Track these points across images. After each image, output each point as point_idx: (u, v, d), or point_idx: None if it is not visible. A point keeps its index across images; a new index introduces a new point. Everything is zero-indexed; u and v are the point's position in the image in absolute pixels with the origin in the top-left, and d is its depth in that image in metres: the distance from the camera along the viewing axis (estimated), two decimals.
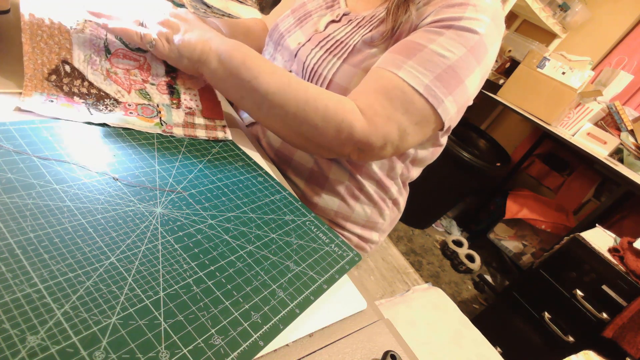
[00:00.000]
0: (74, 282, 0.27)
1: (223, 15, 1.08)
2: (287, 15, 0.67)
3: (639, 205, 1.68)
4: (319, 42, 0.58)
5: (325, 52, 0.56)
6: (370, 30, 0.55)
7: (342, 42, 0.56)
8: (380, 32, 0.54)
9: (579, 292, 1.22)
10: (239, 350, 0.28)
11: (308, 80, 0.58)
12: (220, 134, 0.51)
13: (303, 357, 0.31)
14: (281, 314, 0.32)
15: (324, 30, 0.60)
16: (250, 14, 1.20)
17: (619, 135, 1.62)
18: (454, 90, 0.50)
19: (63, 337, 0.24)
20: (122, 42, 0.48)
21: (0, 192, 0.30)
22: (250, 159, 0.51)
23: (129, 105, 0.46)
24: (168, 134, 0.47)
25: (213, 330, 0.28)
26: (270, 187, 0.48)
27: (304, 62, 0.58)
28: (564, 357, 1.01)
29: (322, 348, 0.32)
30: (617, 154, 1.61)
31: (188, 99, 0.51)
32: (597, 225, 1.38)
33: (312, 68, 0.57)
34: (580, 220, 1.59)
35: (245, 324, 0.30)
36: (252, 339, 0.29)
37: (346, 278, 0.40)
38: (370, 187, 0.63)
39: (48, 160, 0.35)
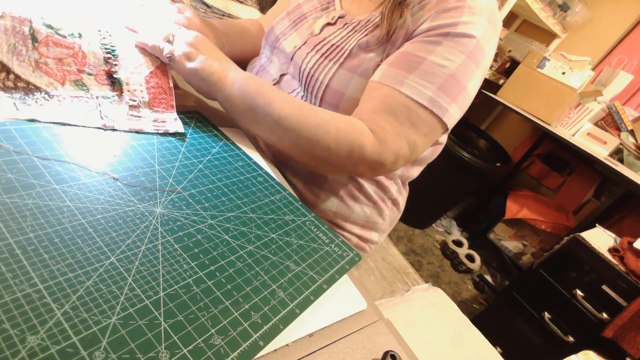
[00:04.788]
0: (74, 282, 0.27)
1: (223, 15, 1.08)
2: (282, 17, 0.67)
3: (639, 205, 1.68)
4: (315, 46, 0.58)
5: (321, 56, 0.57)
6: (365, 35, 0.55)
7: (338, 46, 0.56)
8: (375, 37, 0.54)
9: (579, 292, 1.22)
10: (239, 350, 0.28)
11: (304, 84, 0.58)
12: (170, 127, 0.48)
13: (303, 357, 0.31)
14: (281, 314, 0.32)
15: (320, 33, 0.60)
16: (250, 14, 1.20)
17: (619, 135, 1.62)
18: (457, 97, 0.51)
19: (63, 337, 0.24)
20: (50, 27, 0.42)
21: (0, 192, 0.30)
22: (250, 159, 0.51)
23: (63, 98, 0.42)
24: (109, 128, 0.43)
25: (213, 330, 0.28)
26: (270, 187, 0.48)
27: (300, 66, 0.58)
28: (564, 357, 1.01)
29: (322, 348, 0.32)
30: (617, 154, 1.61)
31: (132, 90, 0.46)
32: (597, 225, 1.38)
33: (309, 72, 0.57)
34: (580, 220, 1.59)
35: (245, 324, 0.30)
36: (252, 339, 0.29)
37: (346, 278, 0.40)
38: (369, 187, 0.63)
39: (48, 160, 0.35)
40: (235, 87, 0.49)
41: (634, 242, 1.19)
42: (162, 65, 0.50)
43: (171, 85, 0.50)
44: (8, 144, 0.34)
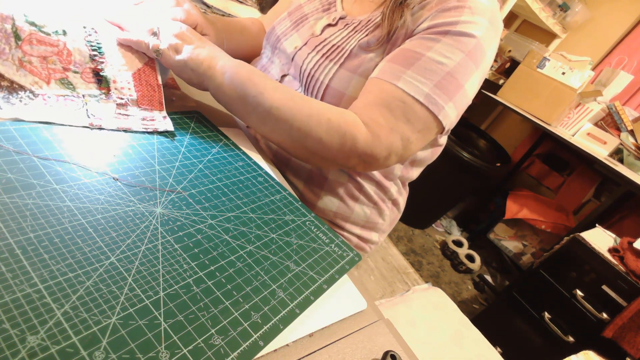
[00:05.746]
0: (74, 282, 0.27)
1: (223, 15, 1.08)
2: (283, 18, 0.67)
3: (639, 205, 1.68)
4: (316, 47, 0.58)
5: (321, 56, 0.57)
6: (366, 35, 0.55)
7: (338, 46, 0.56)
8: (376, 37, 0.54)
9: (579, 292, 1.22)
10: (239, 350, 0.28)
11: (305, 85, 0.58)
12: (159, 126, 0.47)
13: (303, 357, 0.31)
14: (281, 314, 0.32)
15: (320, 34, 0.60)
16: (250, 14, 1.20)
17: (619, 136, 1.62)
18: (454, 96, 0.50)
19: (63, 337, 0.24)
20: (34, 25, 0.41)
21: (0, 192, 0.30)
22: (250, 159, 0.51)
23: (48, 97, 0.41)
24: (96, 127, 0.42)
25: (213, 330, 0.28)
26: (270, 187, 0.48)
27: (301, 67, 0.58)
28: (564, 357, 1.01)
29: (322, 348, 0.32)
30: (617, 154, 1.61)
31: (119, 88, 0.45)
32: (597, 225, 1.38)
33: (309, 73, 0.57)
34: (580, 220, 1.59)
35: (245, 324, 0.30)
36: (252, 339, 0.29)
37: (346, 278, 0.40)
38: (369, 187, 0.63)
39: (48, 160, 0.35)
40: (226, 75, 0.48)
41: (634, 242, 1.19)
42: (150, 62, 0.49)
43: (159, 82, 0.49)
44: (8, 144, 0.34)
